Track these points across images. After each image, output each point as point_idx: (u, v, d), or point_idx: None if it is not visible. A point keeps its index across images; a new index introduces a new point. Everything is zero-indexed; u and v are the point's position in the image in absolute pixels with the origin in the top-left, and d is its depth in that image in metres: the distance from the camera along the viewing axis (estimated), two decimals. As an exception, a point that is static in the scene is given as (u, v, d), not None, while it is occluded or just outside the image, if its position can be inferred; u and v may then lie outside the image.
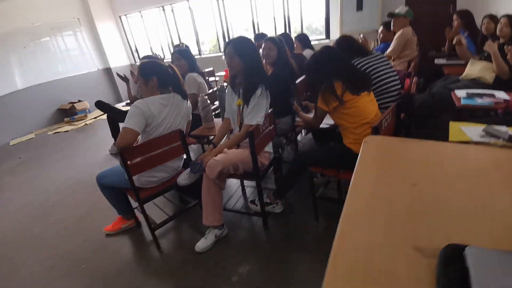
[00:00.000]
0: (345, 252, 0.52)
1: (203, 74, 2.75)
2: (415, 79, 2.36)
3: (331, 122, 1.87)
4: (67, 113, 5.85)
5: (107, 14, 6.89)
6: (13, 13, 5.22)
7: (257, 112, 1.77)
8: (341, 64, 1.70)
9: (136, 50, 7.52)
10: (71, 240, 2.17)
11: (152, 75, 1.79)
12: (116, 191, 2.01)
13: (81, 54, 6.47)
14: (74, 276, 1.82)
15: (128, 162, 1.66)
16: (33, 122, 5.49)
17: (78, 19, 6.34)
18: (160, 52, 6.95)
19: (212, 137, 2.75)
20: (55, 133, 5.14)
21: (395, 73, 2.17)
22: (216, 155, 1.76)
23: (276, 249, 1.81)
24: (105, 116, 5.74)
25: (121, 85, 7.16)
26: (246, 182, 2.46)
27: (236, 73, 1.85)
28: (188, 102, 1.97)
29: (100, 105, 3.49)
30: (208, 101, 2.20)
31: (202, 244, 1.84)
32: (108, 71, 6.98)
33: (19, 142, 4.94)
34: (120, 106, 4.05)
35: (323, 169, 1.79)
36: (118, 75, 3.38)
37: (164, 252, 1.92)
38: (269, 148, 1.96)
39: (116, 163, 3.57)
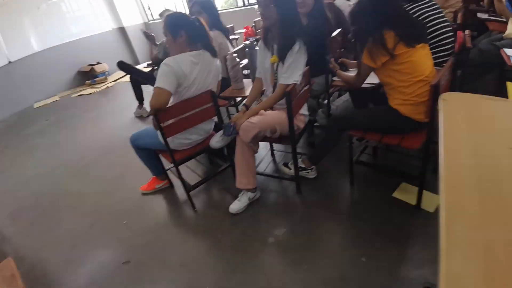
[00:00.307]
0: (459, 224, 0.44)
1: (226, 31, 2.52)
2: (468, 31, 2.07)
3: (375, 81, 1.71)
4: (88, 76, 5.82)
5: None
6: None
7: (294, 70, 1.62)
8: (393, 10, 1.46)
9: (149, 8, 7.13)
10: (109, 199, 2.26)
11: (181, 30, 1.64)
12: (150, 153, 2.02)
13: (93, 14, 6.21)
14: (116, 232, 1.92)
15: (162, 124, 1.62)
16: (56, 85, 5.53)
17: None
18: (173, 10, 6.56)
19: (239, 99, 2.67)
20: (79, 95, 5.18)
21: (449, 23, 1.91)
22: (249, 117, 1.67)
23: (310, 214, 1.80)
24: (126, 79, 5.75)
25: (138, 46, 6.95)
26: (275, 146, 2.41)
27: (270, 25, 1.67)
28: (218, 60, 1.84)
29: (122, 66, 3.39)
30: (238, 60, 2.06)
31: (236, 206, 1.85)
32: (122, 30, 6.73)
33: (44, 105, 5.03)
34: (141, 68, 3.94)
35: (364, 133, 1.68)
36: (144, 33, 3.22)
37: (199, 212, 1.96)
38: (304, 110, 1.85)
39: (142, 125, 3.65)
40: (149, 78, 3.39)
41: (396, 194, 1.81)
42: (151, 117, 3.65)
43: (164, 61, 1.58)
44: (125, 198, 2.23)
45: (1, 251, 1.91)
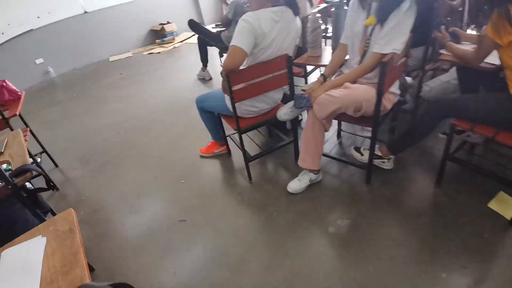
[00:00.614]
0: None
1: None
2: None
3: (496, 61, 1.31)
4: (158, 35, 6.02)
5: None
6: None
7: (397, 35, 1.31)
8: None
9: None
10: (170, 156, 2.32)
11: (262, -20, 1.43)
12: (213, 116, 1.96)
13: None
14: (175, 189, 1.96)
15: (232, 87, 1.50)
16: (130, 41, 5.84)
17: None
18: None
19: (311, 69, 2.41)
20: (149, 53, 5.42)
21: None
22: (327, 90, 1.45)
23: (380, 209, 1.57)
24: (191, 40, 5.84)
25: (206, 6, 6.89)
26: (343, 125, 2.15)
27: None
28: (299, 19, 1.60)
29: (192, 24, 3.35)
30: (320, 21, 1.78)
31: (295, 185, 1.71)
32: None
33: (118, 59, 5.39)
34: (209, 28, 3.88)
35: (474, 124, 1.33)
36: None
37: (255, 184, 1.88)
38: (395, 88, 1.54)
39: (203, 88, 3.67)
40: (216, 39, 3.31)
41: (492, 205, 1.48)
42: (212, 80, 3.62)
43: (242, 17, 1.41)
44: (184, 157, 2.26)
45: (64, 193, 2.12)
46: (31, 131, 2.10)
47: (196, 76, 3.83)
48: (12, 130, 1.80)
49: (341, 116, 1.56)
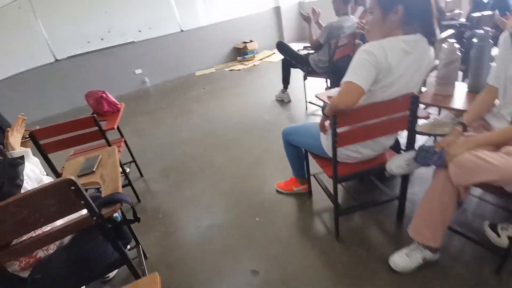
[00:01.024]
0: None
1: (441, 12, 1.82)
2: None
3: None
4: (240, 52, 6.24)
5: None
6: None
7: None
8: None
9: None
10: (245, 183, 2.17)
11: (398, 4, 1.14)
12: (300, 152, 1.72)
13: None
14: (248, 227, 1.77)
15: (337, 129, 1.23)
16: (214, 58, 6.19)
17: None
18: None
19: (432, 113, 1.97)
20: (230, 70, 5.61)
21: None
22: (473, 148, 1.05)
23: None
24: (271, 59, 5.87)
25: (288, 26, 6.91)
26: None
27: None
28: (433, 50, 1.25)
29: (281, 46, 3.25)
30: (459, 53, 1.39)
31: (402, 262, 1.31)
32: (276, 10, 6.78)
33: (203, 74, 5.72)
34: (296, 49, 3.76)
35: None
36: (301, 14, 2.92)
37: (343, 242, 1.54)
38: None
39: (280, 110, 3.50)
40: (303, 62, 3.12)
41: None
42: (290, 102, 3.42)
43: (364, 48, 1.14)
44: (259, 188, 2.07)
45: (144, 206, 2.13)
46: (125, 141, 2.21)
47: (274, 96, 3.70)
48: (108, 141, 1.87)
49: (484, 185, 1.12)
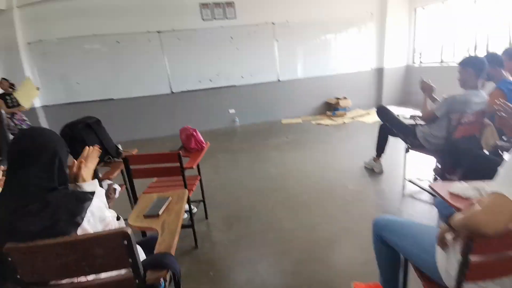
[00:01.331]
0: None
1: None
2: None
3: None
4: (330, 107, 6.10)
5: (403, 6, 6.16)
6: (312, 4, 5.73)
7: None
8: None
9: (420, 53, 6.39)
10: (311, 267, 1.78)
11: None
12: (395, 256, 1.29)
13: (360, 52, 6.36)
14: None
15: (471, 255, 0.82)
16: (302, 109, 6.23)
17: (372, 13, 6.13)
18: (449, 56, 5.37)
19: None
20: (317, 123, 5.48)
21: None
22: None
23: None
24: (364, 119, 5.49)
25: (388, 88, 6.49)
26: None
27: None
28: None
29: (382, 111, 2.92)
30: None
31: None
32: (379, 71, 6.50)
33: (289, 123, 5.75)
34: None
35: None
36: (422, 81, 2.56)
37: None
38: None
39: (368, 180, 3.03)
40: (407, 133, 2.67)
41: None
42: (382, 174, 2.93)
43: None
44: (330, 282, 1.66)
45: (199, 256, 1.97)
46: (200, 180, 2.21)
47: (363, 163, 3.27)
48: (184, 180, 1.86)
49: None
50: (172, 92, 5.54)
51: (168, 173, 1.81)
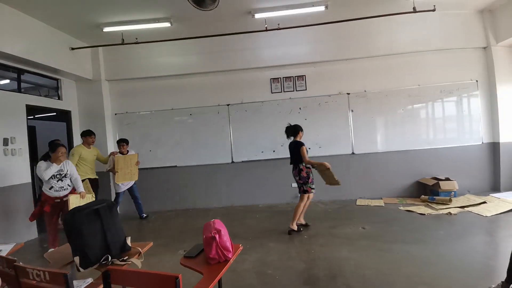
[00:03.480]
0: None
1: None
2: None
3: None
4: (426, 190, 4.71)
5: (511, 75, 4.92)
6: (402, 72, 5.06)
7: None
8: None
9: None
10: None
11: None
12: None
13: (464, 123, 5.07)
14: None
15: None
16: (385, 188, 5.03)
17: (476, 81, 5.02)
18: None
19: None
20: (407, 210, 4.17)
21: None
22: None
23: None
24: (479, 210, 3.70)
25: (508, 167, 4.75)
26: None
27: None
28: None
29: None
30: None
31: None
32: (494, 146, 4.94)
33: (366, 205, 4.60)
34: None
35: None
36: None
37: None
38: None
39: None
40: None
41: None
42: None
43: None
44: None
45: None
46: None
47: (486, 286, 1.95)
48: None
49: None
50: (233, 162, 5.28)
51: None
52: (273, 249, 3.12)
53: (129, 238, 1.75)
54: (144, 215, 4.77)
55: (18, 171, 3.96)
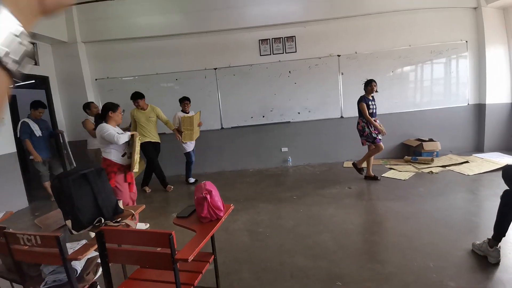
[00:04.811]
0: None
1: None
2: None
3: None
4: (410, 151, 4.88)
5: (501, 38, 4.88)
6: (394, 32, 4.92)
7: None
8: None
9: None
10: None
11: None
12: None
13: (451, 85, 5.12)
14: None
15: None
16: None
17: (466, 41, 4.97)
18: None
19: None
20: (391, 169, 4.36)
21: None
22: None
23: None
24: (461, 169, 3.85)
25: (492, 129, 4.94)
26: None
27: None
28: None
29: (510, 172, 1.88)
30: None
31: None
32: (480, 107, 5.06)
33: (352, 168, 4.75)
34: None
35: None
36: None
37: None
38: None
39: (482, 279, 1.85)
40: None
41: None
42: (498, 265, 1.77)
43: None
44: None
45: None
46: (215, 259, 1.56)
47: (471, 246, 2.13)
48: (176, 278, 1.25)
49: None
50: (222, 128, 5.24)
51: (153, 264, 1.21)
52: (263, 210, 3.26)
53: (121, 201, 1.77)
54: (192, 179, 4.65)
55: (2, 142, 3.83)
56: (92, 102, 4.48)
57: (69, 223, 1.57)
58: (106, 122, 2.74)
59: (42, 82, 4.85)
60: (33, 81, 4.82)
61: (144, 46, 5.10)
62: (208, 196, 1.50)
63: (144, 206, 1.85)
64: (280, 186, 4.13)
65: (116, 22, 4.93)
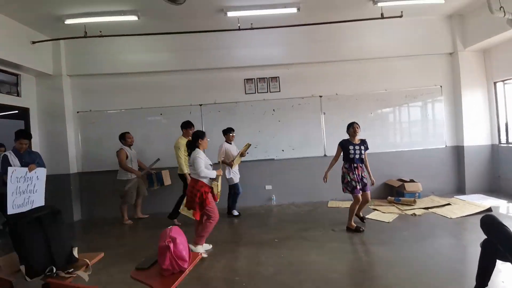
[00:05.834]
0: None
1: None
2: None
3: None
4: (392, 191, 4.88)
5: (478, 81, 5.20)
6: (371, 77, 5.19)
7: None
8: None
9: (506, 127, 5.05)
10: None
11: None
12: None
13: (428, 127, 5.33)
14: None
15: None
16: (356, 189, 5.13)
17: (441, 86, 5.29)
18: None
19: None
20: (374, 210, 4.29)
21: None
22: None
23: None
24: (443, 212, 3.86)
25: (473, 171, 5.04)
26: None
27: None
28: None
29: (489, 223, 1.84)
30: None
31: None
32: (458, 149, 5.23)
33: (336, 207, 4.70)
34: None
35: None
36: None
37: None
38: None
39: None
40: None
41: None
42: None
43: None
44: None
45: None
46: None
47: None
48: None
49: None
50: (206, 164, 5.14)
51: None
52: (242, 254, 3.05)
53: (76, 249, 1.59)
54: (236, 213, 4.49)
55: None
56: (128, 133, 4.49)
57: (23, 268, 1.41)
58: (198, 147, 3.12)
59: (22, 113, 4.72)
60: (16, 111, 4.70)
61: (130, 81, 5.16)
62: (171, 245, 1.37)
63: (102, 254, 1.66)
64: (262, 227, 3.94)
65: (103, 57, 5.02)
